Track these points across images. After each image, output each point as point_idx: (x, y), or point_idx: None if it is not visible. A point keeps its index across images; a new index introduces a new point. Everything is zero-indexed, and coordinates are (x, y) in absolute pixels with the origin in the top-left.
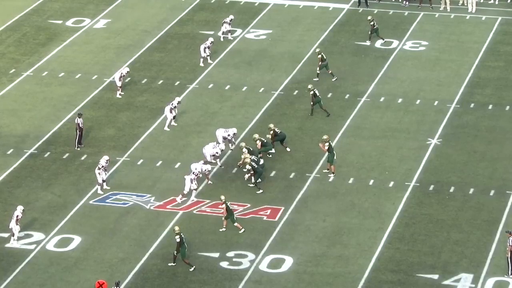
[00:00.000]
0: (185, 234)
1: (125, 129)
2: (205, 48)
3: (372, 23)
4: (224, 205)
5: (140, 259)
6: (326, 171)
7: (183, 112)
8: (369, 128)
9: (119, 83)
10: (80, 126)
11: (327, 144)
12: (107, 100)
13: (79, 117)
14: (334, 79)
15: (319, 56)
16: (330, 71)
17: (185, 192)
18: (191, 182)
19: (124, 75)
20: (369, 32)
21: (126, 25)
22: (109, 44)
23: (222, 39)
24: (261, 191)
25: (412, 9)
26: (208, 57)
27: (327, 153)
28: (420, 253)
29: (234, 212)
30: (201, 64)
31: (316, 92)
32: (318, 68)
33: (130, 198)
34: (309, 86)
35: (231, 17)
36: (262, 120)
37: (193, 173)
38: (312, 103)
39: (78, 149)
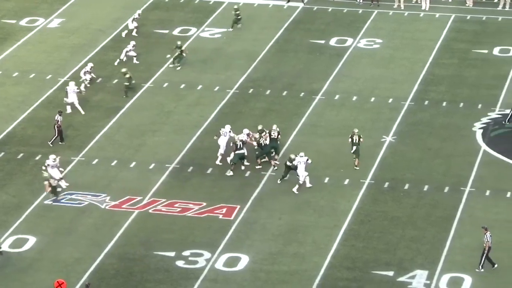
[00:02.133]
0: (140, 234)
1: (80, 128)
2: (127, 51)
3: (237, 12)
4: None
5: (96, 259)
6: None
7: (138, 111)
8: (324, 126)
9: (85, 76)
10: (59, 123)
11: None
12: (62, 99)
13: (59, 115)
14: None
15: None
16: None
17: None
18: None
19: (88, 71)
20: (233, 22)
21: (81, 24)
22: (64, 44)
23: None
24: (231, 173)
25: (366, 7)
26: (135, 58)
27: None
28: (376, 250)
29: (189, 212)
30: (115, 64)
31: None
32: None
33: (85, 197)
34: None
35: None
36: (218, 119)
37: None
38: None
39: (63, 143)
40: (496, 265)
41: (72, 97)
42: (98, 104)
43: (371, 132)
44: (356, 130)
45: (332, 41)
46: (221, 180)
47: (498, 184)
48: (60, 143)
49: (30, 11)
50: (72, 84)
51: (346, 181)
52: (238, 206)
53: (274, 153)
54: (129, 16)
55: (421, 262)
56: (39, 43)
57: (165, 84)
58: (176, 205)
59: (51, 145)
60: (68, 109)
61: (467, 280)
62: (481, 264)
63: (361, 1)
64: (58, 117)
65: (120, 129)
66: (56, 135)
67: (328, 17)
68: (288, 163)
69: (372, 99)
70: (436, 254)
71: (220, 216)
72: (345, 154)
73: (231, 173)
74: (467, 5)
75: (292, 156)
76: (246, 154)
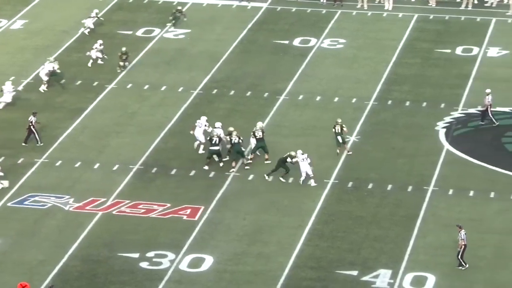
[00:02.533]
0: (104, 235)
1: (43, 130)
2: (97, 51)
3: (176, 12)
4: None
5: (60, 261)
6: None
7: (102, 112)
8: (289, 126)
9: (45, 78)
10: (33, 124)
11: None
12: (25, 101)
13: (34, 116)
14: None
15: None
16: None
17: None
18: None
19: (52, 71)
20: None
21: (44, 26)
22: (27, 45)
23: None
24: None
25: (329, 7)
26: (99, 59)
27: None
28: (340, 250)
29: (153, 213)
30: (89, 65)
31: None
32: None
33: (49, 199)
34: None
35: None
36: (181, 120)
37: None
38: None
39: (26, 144)
40: (466, 267)
41: (7, 97)
42: (62, 105)
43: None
44: (339, 120)
45: (296, 41)
46: (185, 181)
47: (461, 183)
48: (23, 143)
49: None
50: (8, 84)
51: (311, 182)
52: (203, 207)
53: (264, 151)
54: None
55: (385, 262)
56: (1, 45)
57: (129, 85)
58: (140, 206)
59: (29, 144)
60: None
61: (431, 279)
62: (462, 263)
63: (324, 1)
64: (32, 118)
65: (84, 130)
66: (28, 134)
67: (291, 18)
68: (289, 160)
69: (336, 99)
70: (400, 253)
71: (185, 217)
72: (309, 154)
73: (207, 167)
74: (430, 5)
75: (293, 153)
76: (220, 149)
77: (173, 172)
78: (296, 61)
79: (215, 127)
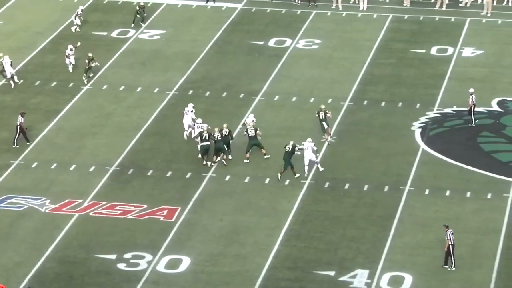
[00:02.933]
0: (81, 237)
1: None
2: (68, 54)
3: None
4: None
5: (36, 263)
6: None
7: (77, 113)
8: (264, 126)
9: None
10: (21, 124)
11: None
12: (0, 102)
13: (22, 116)
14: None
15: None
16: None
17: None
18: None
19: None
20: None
21: (18, 27)
22: (1, 47)
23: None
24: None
25: (304, 7)
26: (71, 65)
27: None
28: (317, 250)
29: (130, 214)
30: (70, 70)
31: None
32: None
33: (25, 201)
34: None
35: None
36: (157, 121)
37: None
38: None
39: (17, 146)
40: (448, 267)
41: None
42: (37, 107)
43: (311, 133)
44: (322, 106)
45: (271, 42)
46: (162, 182)
47: (437, 183)
48: (13, 145)
49: None
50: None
51: (287, 182)
52: (179, 208)
53: (259, 148)
54: (67, 18)
55: (362, 262)
56: None
57: (105, 86)
58: (117, 208)
59: (17, 146)
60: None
61: (408, 278)
62: (453, 263)
63: (299, 2)
64: (20, 118)
65: (59, 131)
66: (18, 134)
67: (266, 18)
68: (297, 149)
69: (312, 99)
70: (377, 253)
71: (161, 218)
72: (281, 155)
73: (206, 162)
74: (404, 5)
75: (296, 145)
76: (209, 144)
77: (150, 173)
78: (271, 61)
79: (199, 123)
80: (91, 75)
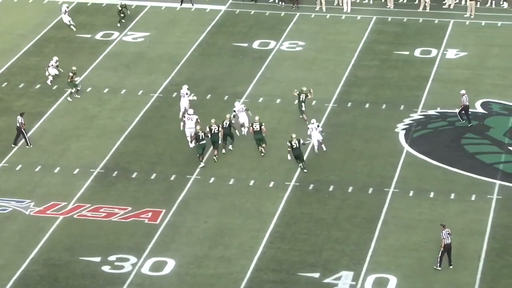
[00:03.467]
0: (65, 239)
1: (2, 134)
2: (50, 67)
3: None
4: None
5: (21, 266)
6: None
7: (61, 116)
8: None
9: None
10: (21, 125)
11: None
12: None
13: (21, 116)
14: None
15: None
16: None
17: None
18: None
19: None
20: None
21: (2, 29)
22: None
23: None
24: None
25: (288, 9)
26: (50, 76)
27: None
28: (301, 252)
29: (114, 216)
30: (49, 83)
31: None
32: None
33: (9, 204)
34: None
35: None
36: (141, 123)
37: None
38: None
39: (15, 146)
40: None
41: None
42: (21, 109)
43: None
44: (304, 88)
45: (255, 44)
46: (146, 184)
47: (421, 185)
48: (13, 145)
49: None
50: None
51: (271, 184)
52: (164, 210)
53: (262, 143)
54: (52, 20)
55: (346, 263)
56: None
57: (89, 89)
58: (101, 210)
59: (14, 146)
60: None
61: (392, 280)
62: (450, 263)
63: (283, 4)
64: (20, 119)
65: (43, 134)
66: (18, 135)
67: (250, 20)
68: (302, 143)
69: (296, 101)
70: (361, 255)
71: (146, 221)
72: (270, 157)
73: (203, 164)
74: (388, 7)
75: (300, 139)
76: (205, 142)
77: (134, 175)
78: (255, 63)
79: (191, 114)
80: (79, 88)
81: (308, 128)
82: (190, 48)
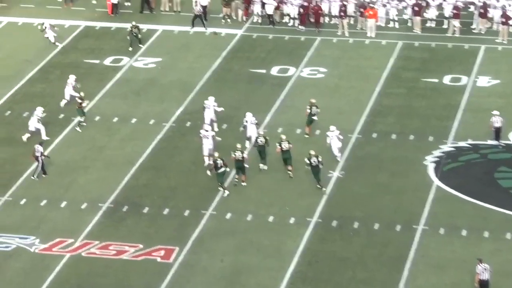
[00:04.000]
0: (73, 278)
1: (5, 166)
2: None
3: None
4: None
5: None
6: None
7: (68, 146)
8: (269, 159)
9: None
10: (40, 155)
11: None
12: None
13: (40, 145)
14: None
15: None
16: None
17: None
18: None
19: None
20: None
21: (5, 54)
22: None
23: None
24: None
25: (308, 34)
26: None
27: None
28: None
29: (124, 254)
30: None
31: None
32: None
33: (13, 240)
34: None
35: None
36: (153, 154)
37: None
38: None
39: (42, 176)
40: None
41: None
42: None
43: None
44: (313, 100)
45: (274, 70)
46: (158, 220)
47: (452, 221)
48: (43, 175)
49: None
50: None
51: (292, 220)
52: (177, 248)
53: (289, 163)
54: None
55: None
56: None
57: (97, 118)
58: (111, 248)
59: (36, 178)
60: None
61: None
62: None
63: (303, 28)
64: (38, 147)
65: (49, 166)
66: (39, 166)
67: (268, 45)
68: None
69: (317, 131)
70: None
71: (158, 259)
72: (290, 190)
73: (227, 192)
74: (415, 31)
75: (312, 152)
76: (228, 170)
77: (145, 210)
78: (274, 91)
79: (207, 131)
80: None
81: (328, 135)
82: (204, 74)
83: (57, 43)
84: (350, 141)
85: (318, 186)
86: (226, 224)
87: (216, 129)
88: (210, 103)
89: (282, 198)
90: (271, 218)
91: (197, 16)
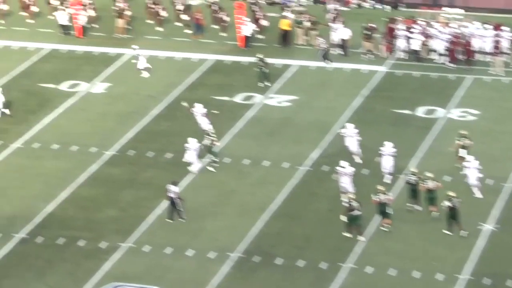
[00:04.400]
0: None
1: (129, 209)
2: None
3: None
4: None
5: None
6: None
7: (195, 191)
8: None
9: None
10: (177, 195)
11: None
12: (108, 176)
13: (175, 185)
14: None
15: None
16: None
17: None
18: None
19: None
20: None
21: (128, 89)
22: (109, 111)
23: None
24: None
25: (459, 72)
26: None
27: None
28: None
29: None
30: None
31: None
32: None
33: None
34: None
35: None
36: (287, 200)
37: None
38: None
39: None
40: None
41: None
42: (149, 181)
43: (466, 218)
44: (463, 132)
45: (419, 111)
46: (293, 272)
47: None
48: (176, 219)
49: (70, 74)
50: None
51: (439, 276)
52: None
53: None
54: (183, 80)
55: None
56: (81, 111)
57: (227, 159)
58: None
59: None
60: None
61: None
62: None
63: (454, 65)
64: (174, 188)
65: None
66: (174, 207)
67: (414, 83)
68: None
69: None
70: None
71: None
72: (439, 243)
73: (350, 235)
74: None
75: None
76: (361, 214)
77: (278, 261)
78: (419, 134)
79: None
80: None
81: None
82: (343, 113)
83: (143, 74)
84: (503, 190)
85: (462, 232)
86: (367, 279)
87: (359, 160)
88: (350, 131)
89: (429, 252)
90: (416, 274)
91: (326, 50)
